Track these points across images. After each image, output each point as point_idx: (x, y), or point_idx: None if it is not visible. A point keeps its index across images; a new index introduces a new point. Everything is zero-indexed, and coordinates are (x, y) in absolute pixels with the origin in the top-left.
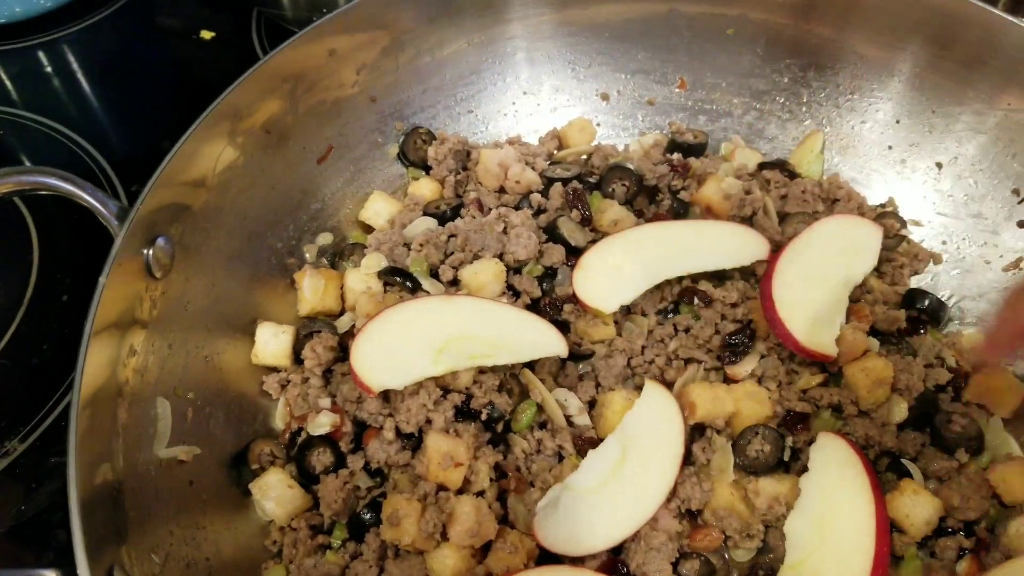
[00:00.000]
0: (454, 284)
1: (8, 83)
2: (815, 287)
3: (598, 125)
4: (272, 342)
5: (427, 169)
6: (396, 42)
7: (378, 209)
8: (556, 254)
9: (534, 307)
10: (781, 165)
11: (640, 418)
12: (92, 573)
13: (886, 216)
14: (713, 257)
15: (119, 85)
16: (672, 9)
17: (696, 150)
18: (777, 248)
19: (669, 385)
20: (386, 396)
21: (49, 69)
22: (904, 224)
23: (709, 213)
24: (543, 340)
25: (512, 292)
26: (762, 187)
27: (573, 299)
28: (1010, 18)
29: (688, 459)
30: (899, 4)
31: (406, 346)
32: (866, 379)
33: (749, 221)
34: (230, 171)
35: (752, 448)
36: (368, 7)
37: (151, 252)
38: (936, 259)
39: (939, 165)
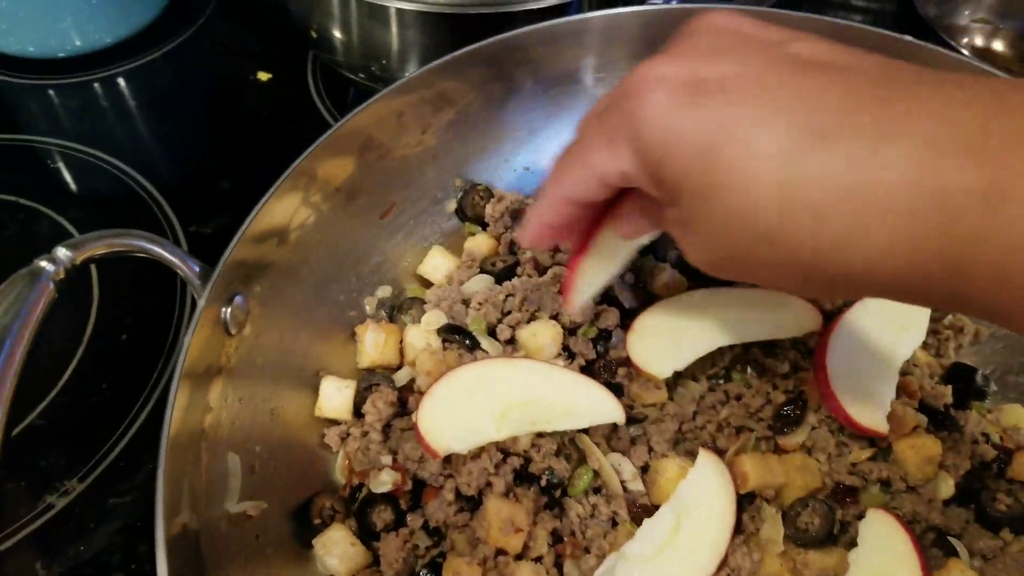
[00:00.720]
0: (511, 343)
1: (63, 116)
2: (867, 361)
3: None
4: (335, 396)
5: (484, 225)
6: (461, 102)
7: (436, 264)
8: (611, 317)
9: (588, 369)
10: None
11: (694, 487)
12: None
13: None
14: (767, 326)
15: (175, 123)
16: None
17: None
18: (828, 317)
19: (720, 453)
20: (447, 457)
21: (106, 104)
22: None
23: None
24: (601, 406)
25: (567, 353)
26: None
27: (627, 362)
28: None
29: (738, 528)
30: None
31: (471, 410)
32: (916, 456)
33: None
34: (302, 230)
35: (802, 520)
36: (435, 74)
37: (228, 311)
38: (979, 333)
39: None
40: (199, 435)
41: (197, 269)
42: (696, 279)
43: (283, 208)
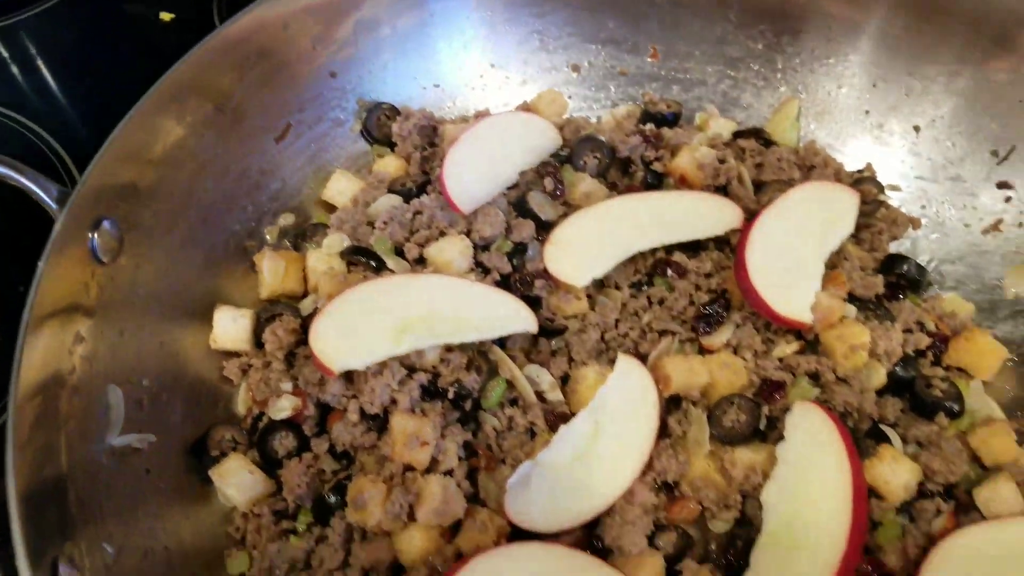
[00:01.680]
0: (420, 262)
1: None
2: (789, 255)
3: (569, 97)
4: (231, 326)
5: (392, 146)
6: (353, 12)
7: (341, 188)
8: (526, 229)
9: (504, 283)
10: (756, 133)
11: (614, 392)
12: (33, 569)
13: (863, 181)
14: (686, 228)
15: (75, 71)
16: None
17: (670, 120)
18: (752, 217)
19: (643, 358)
20: (349, 377)
21: (6, 55)
22: (882, 189)
23: (683, 184)
24: (511, 316)
25: (481, 269)
26: (737, 156)
27: (544, 274)
28: None
29: (664, 431)
30: None
31: (367, 326)
32: (842, 345)
33: (724, 191)
34: (179, 150)
35: (728, 418)
36: None
37: (96, 236)
38: (915, 224)
39: (917, 128)
40: (66, 371)
41: (54, 191)
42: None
43: (153, 127)
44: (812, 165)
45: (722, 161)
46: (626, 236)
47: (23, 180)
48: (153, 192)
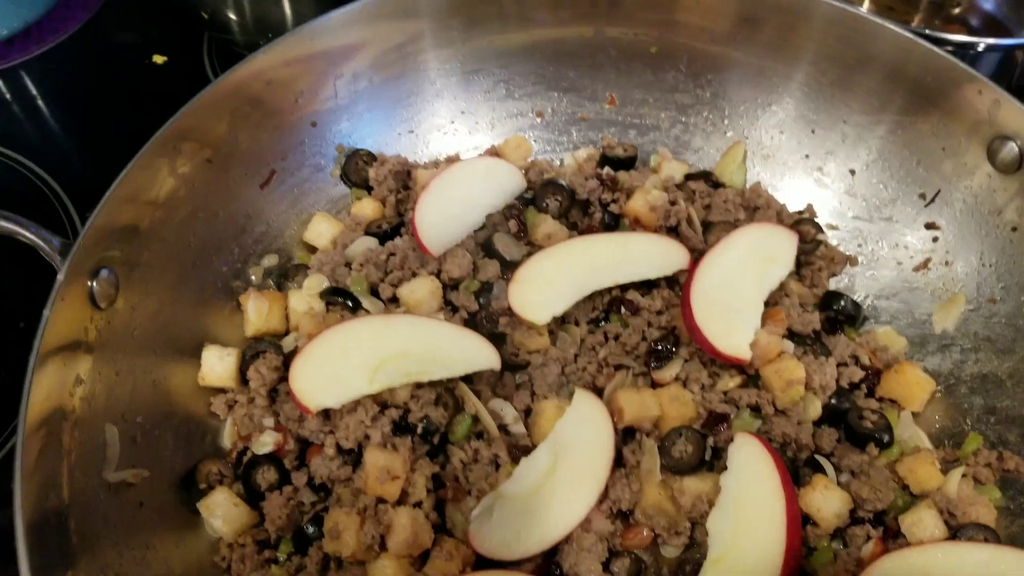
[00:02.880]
0: (394, 301)
1: None
2: (731, 294)
3: (534, 141)
4: (218, 364)
5: (369, 189)
6: (333, 69)
7: (321, 230)
8: (492, 269)
9: (471, 321)
10: (705, 176)
11: (570, 425)
12: None
13: (803, 222)
14: (638, 268)
15: (73, 111)
16: (597, 31)
17: (626, 163)
18: (699, 257)
19: (599, 392)
20: (327, 414)
21: (8, 95)
22: (820, 229)
23: (638, 224)
24: (476, 354)
25: (450, 307)
26: (687, 198)
27: (509, 312)
28: (913, 36)
29: (619, 462)
30: (809, 31)
31: (342, 366)
32: (780, 380)
33: (675, 231)
34: (174, 199)
35: (676, 449)
36: (301, 37)
37: (95, 283)
38: (852, 261)
39: (852, 172)
40: (67, 410)
41: (56, 243)
42: (576, 229)
43: (150, 179)
44: (756, 206)
45: (673, 203)
46: (584, 276)
47: (28, 234)
48: (147, 239)
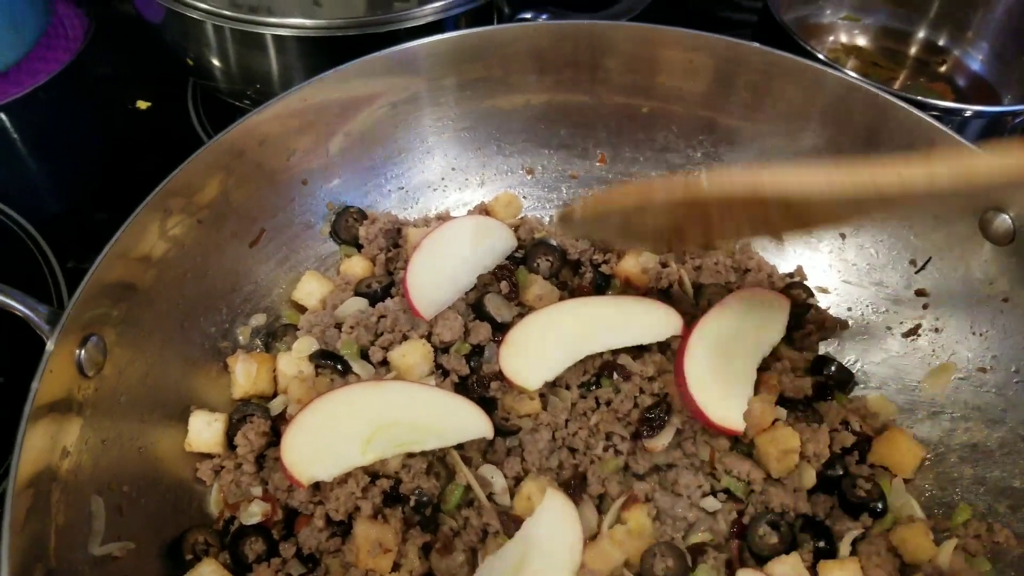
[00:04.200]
0: (384, 364)
1: None
2: (725, 361)
3: (524, 198)
4: (205, 430)
5: (359, 246)
6: (326, 127)
7: (311, 289)
8: (483, 331)
9: (462, 385)
10: None
11: (541, 526)
12: None
13: (794, 286)
14: (630, 333)
15: (53, 156)
16: (587, 93)
17: None
18: (691, 321)
19: (583, 477)
20: (316, 484)
21: None
22: (811, 294)
23: (629, 286)
24: (469, 423)
25: (441, 371)
26: (678, 259)
27: (500, 376)
28: (895, 99)
29: None
30: (795, 92)
31: (334, 437)
32: (775, 449)
33: (666, 293)
34: (162, 264)
35: (658, 568)
36: (297, 97)
37: (83, 352)
38: (843, 325)
39: (843, 236)
40: (54, 481)
41: (43, 311)
42: (566, 289)
43: (140, 241)
44: (747, 268)
45: (664, 265)
46: (576, 340)
47: (14, 304)
48: (136, 303)
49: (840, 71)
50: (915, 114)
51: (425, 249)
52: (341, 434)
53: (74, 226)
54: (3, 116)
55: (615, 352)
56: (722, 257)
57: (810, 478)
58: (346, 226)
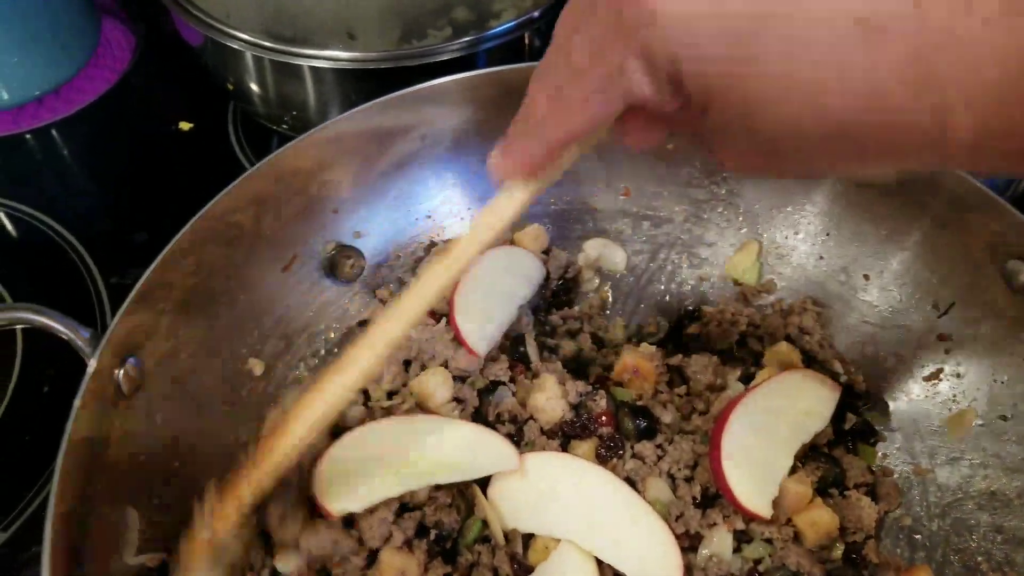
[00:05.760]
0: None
1: None
2: (765, 442)
3: (548, 230)
4: None
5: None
6: (357, 160)
7: None
8: (500, 367)
9: (478, 415)
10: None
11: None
12: None
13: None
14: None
15: (99, 173)
16: (615, 130)
17: None
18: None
19: None
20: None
21: (28, 156)
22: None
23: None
24: (495, 455)
25: (455, 400)
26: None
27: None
28: None
29: None
30: None
31: (365, 470)
32: (816, 533)
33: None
34: (201, 287)
35: None
36: (330, 131)
37: (121, 373)
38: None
39: (867, 277)
40: (92, 494)
41: (86, 335)
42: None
43: (179, 266)
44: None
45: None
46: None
47: (59, 328)
48: (172, 327)
49: None
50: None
51: (467, 284)
52: (371, 467)
53: (117, 245)
54: (54, 133)
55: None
56: None
57: (838, 552)
58: (343, 267)
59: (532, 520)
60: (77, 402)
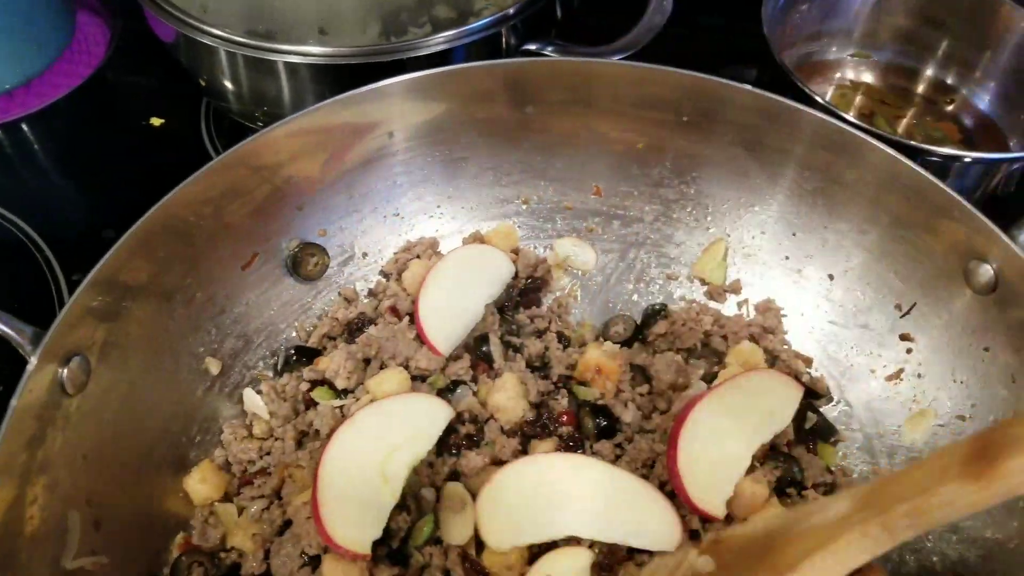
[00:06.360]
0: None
1: None
2: (723, 442)
3: (519, 227)
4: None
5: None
6: (324, 155)
7: None
8: (461, 365)
9: None
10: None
11: None
12: None
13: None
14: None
15: (69, 170)
16: (584, 126)
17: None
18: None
19: None
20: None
21: (8, 152)
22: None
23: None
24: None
25: None
26: None
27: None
28: (881, 145)
29: None
30: (785, 140)
31: (358, 485)
32: None
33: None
34: (153, 281)
35: None
36: (295, 125)
37: (65, 371)
38: (806, 362)
39: (831, 276)
40: (29, 498)
41: (29, 333)
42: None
43: (132, 261)
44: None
45: None
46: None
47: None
48: (123, 323)
49: (834, 116)
50: (912, 168)
51: (432, 282)
52: (362, 477)
53: (82, 241)
54: (25, 128)
55: None
56: None
57: None
58: (306, 265)
59: (531, 529)
60: (14, 402)
